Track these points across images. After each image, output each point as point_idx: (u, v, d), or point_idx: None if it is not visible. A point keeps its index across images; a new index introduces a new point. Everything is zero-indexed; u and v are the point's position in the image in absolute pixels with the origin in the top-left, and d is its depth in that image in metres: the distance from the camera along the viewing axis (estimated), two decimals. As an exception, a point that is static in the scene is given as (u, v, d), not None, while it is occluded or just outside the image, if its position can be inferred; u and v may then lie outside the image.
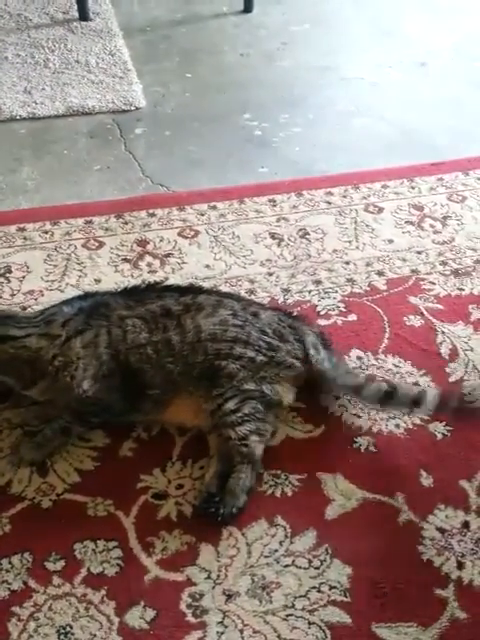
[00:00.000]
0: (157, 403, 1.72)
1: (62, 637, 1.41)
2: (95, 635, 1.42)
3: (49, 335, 1.71)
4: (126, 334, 1.71)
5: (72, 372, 1.68)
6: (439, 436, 1.78)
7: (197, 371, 1.70)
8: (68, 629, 1.43)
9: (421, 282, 2.20)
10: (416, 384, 1.89)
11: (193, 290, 1.86)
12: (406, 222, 2.44)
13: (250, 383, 1.70)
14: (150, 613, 1.45)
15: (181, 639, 1.42)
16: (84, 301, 1.80)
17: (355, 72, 3.27)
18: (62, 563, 1.53)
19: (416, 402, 1.74)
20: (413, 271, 2.24)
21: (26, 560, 1.52)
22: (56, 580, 1.50)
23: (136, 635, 1.42)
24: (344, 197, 2.53)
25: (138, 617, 1.45)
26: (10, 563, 1.52)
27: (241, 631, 1.43)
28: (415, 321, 2.07)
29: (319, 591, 1.49)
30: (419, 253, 2.31)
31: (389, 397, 1.75)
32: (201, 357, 1.70)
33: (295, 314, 1.92)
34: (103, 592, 1.48)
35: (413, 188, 2.58)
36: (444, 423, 1.80)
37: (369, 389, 1.77)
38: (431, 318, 2.08)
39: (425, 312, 2.10)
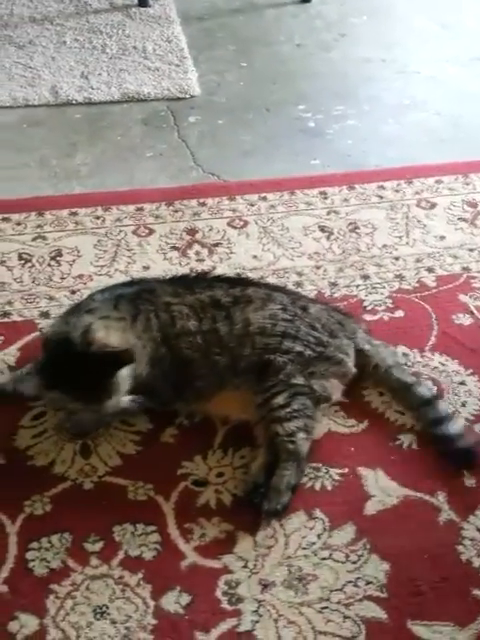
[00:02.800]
0: (202, 395, 1.72)
1: (98, 617, 1.43)
2: (131, 617, 1.44)
3: (110, 318, 1.68)
4: (174, 320, 1.71)
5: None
6: (483, 436, 1.76)
7: (244, 364, 1.69)
8: (104, 609, 1.45)
9: (472, 280, 2.17)
10: (462, 383, 1.87)
11: (242, 282, 1.85)
12: (459, 219, 2.40)
13: (299, 378, 1.69)
14: (185, 598, 1.46)
15: (216, 625, 1.43)
16: (129, 287, 1.80)
17: (412, 65, 3.23)
18: (101, 544, 1.54)
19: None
20: (464, 269, 2.21)
21: (65, 540, 1.55)
22: (94, 561, 1.52)
23: (171, 619, 1.44)
24: (396, 192, 2.50)
25: (173, 602, 1.46)
26: (49, 542, 1.54)
27: (276, 621, 1.44)
28: (464, 320, 2.04)
29: (355, 585, 1.49)
30: (471, 251, 2.28)
31: (428, 404, 1.75)
32: (249, 350, 1.70)
33: (344, 311, 1.92)
34: (140, 575, 1.50)
35: (467, 184, 2.54)
36: (489, 424, 1.79)
37: (416, 390, 1.77)
38: (481, 317, 2.06)
39: (475, 311, 2.06)
